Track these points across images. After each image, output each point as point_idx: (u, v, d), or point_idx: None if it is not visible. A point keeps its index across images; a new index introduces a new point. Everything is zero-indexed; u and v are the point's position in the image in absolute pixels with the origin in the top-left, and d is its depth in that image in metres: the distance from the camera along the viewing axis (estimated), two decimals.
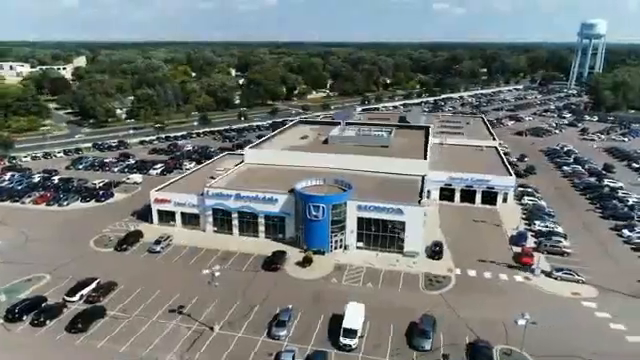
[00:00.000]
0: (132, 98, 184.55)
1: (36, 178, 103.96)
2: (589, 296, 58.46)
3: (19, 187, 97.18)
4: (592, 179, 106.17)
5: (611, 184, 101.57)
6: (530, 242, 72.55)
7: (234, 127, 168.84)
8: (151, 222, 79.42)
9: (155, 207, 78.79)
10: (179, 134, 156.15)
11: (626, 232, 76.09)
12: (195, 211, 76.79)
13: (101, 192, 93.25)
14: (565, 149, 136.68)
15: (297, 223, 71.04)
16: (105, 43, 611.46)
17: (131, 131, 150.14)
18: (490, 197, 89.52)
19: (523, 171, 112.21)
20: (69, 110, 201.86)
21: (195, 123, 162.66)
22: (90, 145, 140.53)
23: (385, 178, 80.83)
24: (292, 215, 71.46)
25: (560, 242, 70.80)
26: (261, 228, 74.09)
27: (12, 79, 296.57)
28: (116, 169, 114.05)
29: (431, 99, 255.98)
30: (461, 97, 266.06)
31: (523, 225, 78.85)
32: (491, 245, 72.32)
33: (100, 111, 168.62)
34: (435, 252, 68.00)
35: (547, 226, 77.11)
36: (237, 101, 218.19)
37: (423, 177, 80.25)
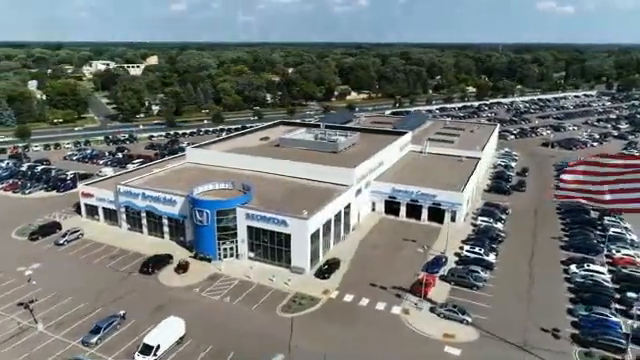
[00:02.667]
0: (161, 95, 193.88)
1: (24, 167, 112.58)
2: (462, 341, 49.16)
3: (4, 174, 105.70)
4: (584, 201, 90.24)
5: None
6: (444, 270, 63.27)
7: (247, 126, 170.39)
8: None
9: (82, 201, 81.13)
10: (188, 131, 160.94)
11: (573, 268, 63.35)
12: (114, 207, 77.76)
13: (65, 183, 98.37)
14: None
15: (192, 227, 68.84)
16: (204, 44, 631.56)
17: (141, 126, 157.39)
18: (439, 214, 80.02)
19: (508, 187, 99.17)
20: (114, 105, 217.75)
21: (205, 121, 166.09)
22: (102, 138, 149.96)
23: (304, 186, 75.50)
24: (189, 218, 69.35)
25: (475, 272, 60.72)
26: (165, 229, 72.95)
27: (91, 76, 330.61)
28: (102, 162, 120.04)
29: (476, 103, 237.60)
30: (512, 102, 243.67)
31: (454, 249, 69.23)
32: (400, 269, 64.10)
33: (126, 106, 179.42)
34: (323, 271, 61.89)
35: (475, 252, 66.75)
36: (269, 100, 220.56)
37: (347, 187, 73.75)
